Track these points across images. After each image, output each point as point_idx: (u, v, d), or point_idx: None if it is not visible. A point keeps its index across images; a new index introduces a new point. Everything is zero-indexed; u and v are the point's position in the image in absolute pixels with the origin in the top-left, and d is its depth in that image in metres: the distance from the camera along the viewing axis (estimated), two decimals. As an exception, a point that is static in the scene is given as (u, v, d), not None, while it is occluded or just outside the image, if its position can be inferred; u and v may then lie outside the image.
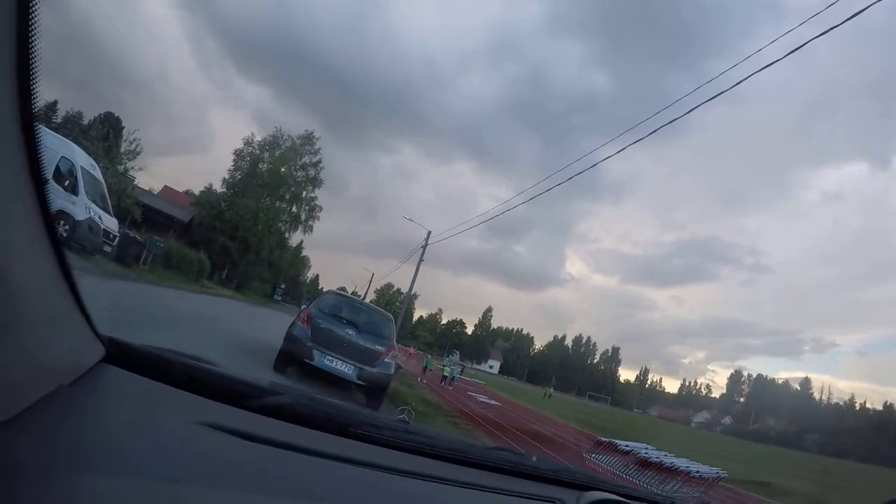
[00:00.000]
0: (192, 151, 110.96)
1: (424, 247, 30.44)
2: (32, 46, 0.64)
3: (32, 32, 0.63)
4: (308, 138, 54.91)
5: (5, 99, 0.62)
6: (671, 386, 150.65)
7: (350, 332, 9.25)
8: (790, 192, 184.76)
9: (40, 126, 0.70)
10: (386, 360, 9.44)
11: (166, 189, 55.36)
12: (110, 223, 15.97)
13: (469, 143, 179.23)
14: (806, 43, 8.02)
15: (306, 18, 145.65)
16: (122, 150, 32.47)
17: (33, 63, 0.65)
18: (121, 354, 1.17)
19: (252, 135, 55.95)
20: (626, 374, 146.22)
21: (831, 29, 7.59)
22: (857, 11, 7.24)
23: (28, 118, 0.66)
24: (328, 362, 8.76)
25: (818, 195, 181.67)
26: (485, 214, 27.61)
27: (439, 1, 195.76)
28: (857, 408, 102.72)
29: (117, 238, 17.00)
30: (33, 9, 0.61)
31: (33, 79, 0.65)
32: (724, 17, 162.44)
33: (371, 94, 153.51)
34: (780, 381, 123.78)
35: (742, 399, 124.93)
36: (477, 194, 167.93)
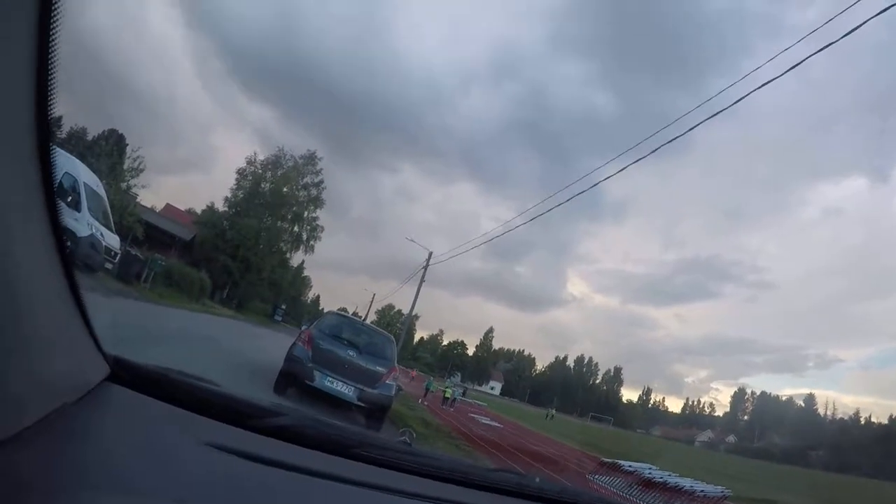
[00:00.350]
0: (194, 170, 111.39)
1: (426, 267, 30.54)
2: (52, 69, 0.65)
3: (52, 53, 0.64)
4: (310, 158, 55.08)
5: (23, 119, 0.64)
6: (674, 405, 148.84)
7: (351, 354, 9.21)
8: (791, 209, 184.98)
9: (55, 147, 0.71)
10: (387, 381, 9.38)
11: (168, 207, 55.44)
12: (112, 240, 15.96)
13: (470, 164, 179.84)
14: (804, 60, 8.10)
15: (311, 40, 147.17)
16: (126, 167, 32.35)
17: (52, 87, 0.65)
18: (126, 374, 1.17)
19: (255, 154, 56.02)
20: (629, 395, 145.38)
21: (827, 46, 7.66)
22: (852, 28, 7.32)
23: (44, 139, 0.67)
24: (329, 383, 8.71)
25: (819, 211, 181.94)
26: (486, 235, 27.64)
27: (441, 22, 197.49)
28: (862, 422, 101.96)
29: (119, 255, 17.00)
30: (54, 28, 0.62)
31: (51, 101, 0.66)
32: (723, 36, 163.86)
33: (373, 114, 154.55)
34: (784, 398, 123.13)
35: (746, 417, 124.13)
36: (478, 215, 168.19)
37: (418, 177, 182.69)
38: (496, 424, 27.72)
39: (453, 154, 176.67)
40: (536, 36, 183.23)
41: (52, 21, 0.62)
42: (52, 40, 0.63)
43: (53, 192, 0.73)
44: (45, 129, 0.67)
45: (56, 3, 0.62)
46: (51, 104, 0.67)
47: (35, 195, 0.70)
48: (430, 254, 30.68)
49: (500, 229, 28.50)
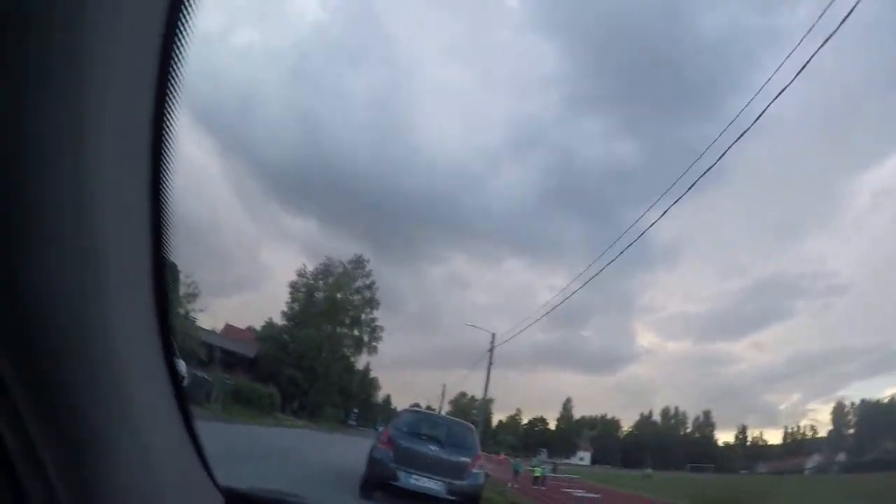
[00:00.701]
0: (248, 289, 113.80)
1: (491, 350, 30.23)
2: (167, 215, 0.69)
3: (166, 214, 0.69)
4: (358, 262, 56.37)
5: (143, 267, 0.69)
6: (773, 437, 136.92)
7: (433, 448, 8.99)
8: (842, 204, 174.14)
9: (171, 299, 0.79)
10: (474, 470, 9.09)
11: (228, 327, 56.28)
12: (178, 365, 16.47)
13: (515, 239, 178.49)
14: (810, 59, 8.02)
15: (338, 149, 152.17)
16: (181, 294, 33.29)
17: (166, 231, 0.70)
18: (239, 502, 1.18)
19: (304, 266, 57.02)
20: (724, 437, 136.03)
21: (829, 38, 7.61)
22: (849, 11, 7.25)
23: (161, 285, 0.73)
24: (415, 481, 8.46)
25: (869, 197, 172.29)
26: (546, 306, 27.28)
27: (457, 109, 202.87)
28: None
29: (185, 379, 17.38)
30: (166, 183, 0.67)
31: (166, 246, 0.71)
32: (728, 58, 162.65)
33: (410, 209, 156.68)
34: (886, 400, 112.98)
35: (851, 430, 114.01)
36: (533, 287, 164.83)
37: (467, 262, 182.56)
38: (593, 495, 26.29)
39: (497, 233, 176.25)
40: (551, 102, 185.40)
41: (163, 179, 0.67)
42: (165, 199, 0.68)
43: (170, 334, 0.80)
44: (161, 275, 0.72)
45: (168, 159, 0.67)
46: (165, 248, 0.72)
47: (154, 339, 0.76)
48: (493, 336, 30.51)
49: (558, 298, 28.00)
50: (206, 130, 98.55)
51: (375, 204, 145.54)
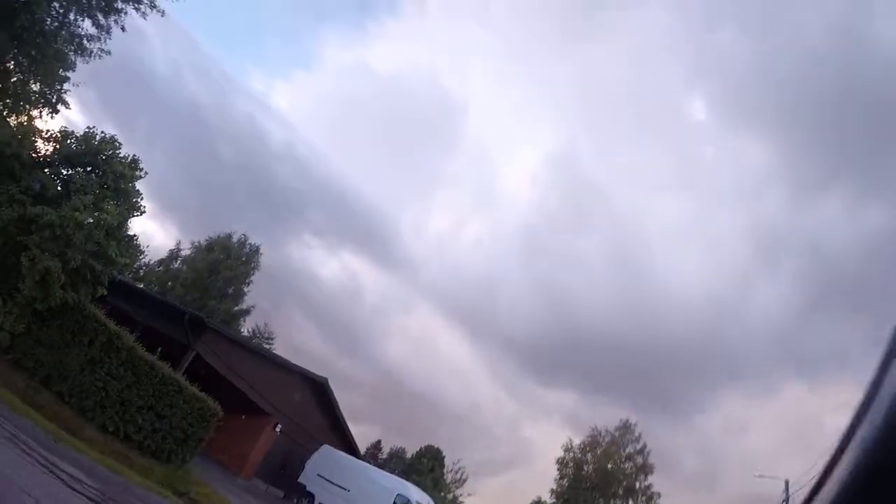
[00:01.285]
0: (516, 467, 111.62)
1: (786, 500, 27.16)
2: None
3: None
4: (626, 427, 53.37)
5: None
6: None
7: None
8: None
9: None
10: None
11: (498, 511, 55.81)
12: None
13: (787, 360, 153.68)
14: None
15: (583, 311, 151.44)
16: (448, 480, 34.77)
17: None
18: None
19: (570, 440, 55.16)
20: None
21: None
22: None
23: None
24: None
25: None
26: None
27: (690, 237, 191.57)
28: None
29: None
30: None
31: None
32: None
33: (671, 356, 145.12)
34: None
35: None
36: (820, 412, 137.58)
37: (740, 401, 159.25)
38: None
39: (768, 358, 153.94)
40: (777, 200, 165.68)
41: None
42: None
43: None
44: None
45: None
46: None
47: None
48: (787, 482, 27.50)
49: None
50: (456, 320, 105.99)
51: (634, 361, 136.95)
